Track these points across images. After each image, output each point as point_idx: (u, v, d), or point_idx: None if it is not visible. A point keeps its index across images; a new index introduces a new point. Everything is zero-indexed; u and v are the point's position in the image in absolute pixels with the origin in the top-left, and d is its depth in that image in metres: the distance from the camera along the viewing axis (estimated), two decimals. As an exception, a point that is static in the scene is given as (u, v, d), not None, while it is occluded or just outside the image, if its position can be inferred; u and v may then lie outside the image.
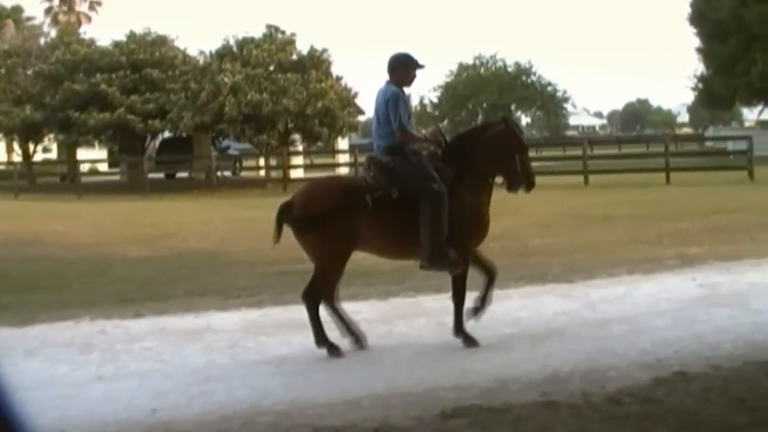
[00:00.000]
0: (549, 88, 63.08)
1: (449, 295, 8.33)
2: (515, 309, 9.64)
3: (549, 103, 62.22)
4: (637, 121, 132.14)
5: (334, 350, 7.97)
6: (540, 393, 6.49)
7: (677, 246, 13.97)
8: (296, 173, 39.64)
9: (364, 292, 11.04)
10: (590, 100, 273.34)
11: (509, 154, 8.42)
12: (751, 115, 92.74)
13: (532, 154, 11.35)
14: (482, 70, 57.12)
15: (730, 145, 42.27)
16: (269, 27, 37.61)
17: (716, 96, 52.23)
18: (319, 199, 8.18)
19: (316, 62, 36.68)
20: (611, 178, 30.78)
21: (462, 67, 58.22)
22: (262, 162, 42.67)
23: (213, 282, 12.39)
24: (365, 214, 7.98)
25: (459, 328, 8.22)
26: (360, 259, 13.76)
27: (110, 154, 51.94)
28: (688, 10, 51.28)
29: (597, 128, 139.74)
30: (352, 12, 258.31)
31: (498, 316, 9.30)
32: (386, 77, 8.39)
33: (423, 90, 61.71)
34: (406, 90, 8.60)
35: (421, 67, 8.54)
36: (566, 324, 8.85)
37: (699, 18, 50.31)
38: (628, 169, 32.94)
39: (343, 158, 41.57)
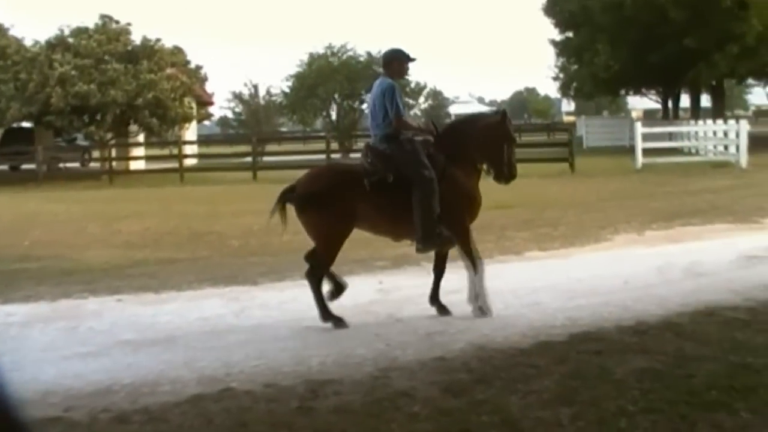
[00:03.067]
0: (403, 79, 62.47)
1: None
2: (166, 312, 9.56)
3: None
4: (525, 110, 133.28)
5: (339, 323, 8.62)
6: (65, 408, 6.35)
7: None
8: (138, 165, 39.12)
9: (42, 292, 10.84)
10: (491, 90, 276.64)
11: (498, 144, 9.09)
12: (639, 104, 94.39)
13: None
14: (334, 59, 56.75)
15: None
16: (103, 17, 36.96)
17: (573, 86, 53.25)
18: (321, 181, 8.84)
19: (149, 52, 36.20)
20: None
21: (312, 57, 57.80)
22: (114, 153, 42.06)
23: None
24: (363, 197, 8.60)
25: (475, 296, 8.95)
26: (86, 258, 13.74)
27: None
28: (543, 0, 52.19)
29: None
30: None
31: (141, 320, 9.23)
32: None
33: (273, 80, 60.93)
34: None
35: (412, 60, 9.24)
36: (189, 331, 8.64)
37: (552, 8, 51.18)
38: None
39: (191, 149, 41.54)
